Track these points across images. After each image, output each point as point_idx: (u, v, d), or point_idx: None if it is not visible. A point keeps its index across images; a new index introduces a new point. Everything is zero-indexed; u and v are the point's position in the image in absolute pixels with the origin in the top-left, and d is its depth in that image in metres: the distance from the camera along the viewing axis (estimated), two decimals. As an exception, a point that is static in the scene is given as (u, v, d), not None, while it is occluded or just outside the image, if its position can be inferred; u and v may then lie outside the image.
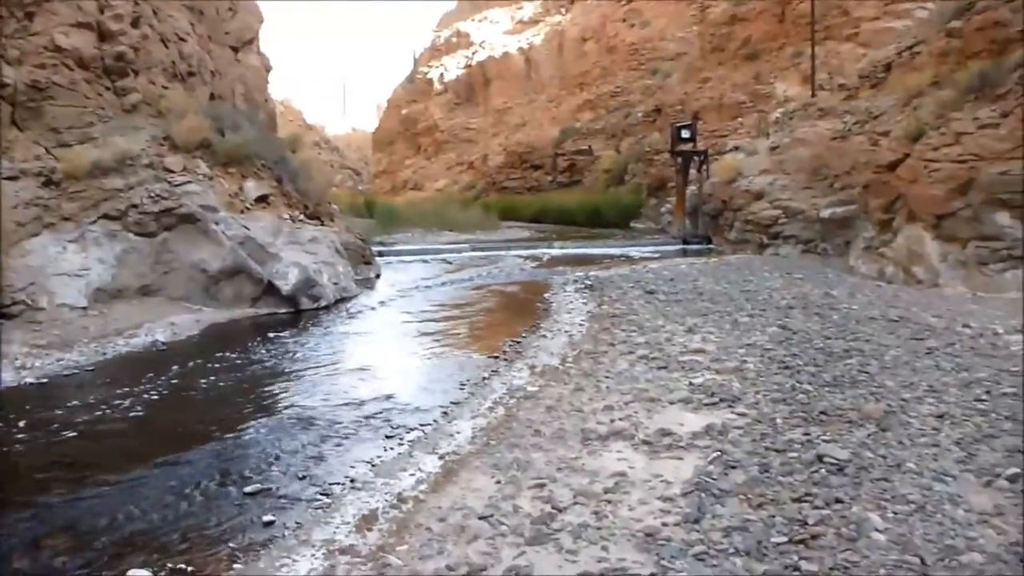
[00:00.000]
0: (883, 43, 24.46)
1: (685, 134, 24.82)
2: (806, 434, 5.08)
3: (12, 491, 5.23)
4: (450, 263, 20.12)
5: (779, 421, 5.42)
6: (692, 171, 24.62)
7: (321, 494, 5.03)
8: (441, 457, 5.56)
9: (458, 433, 6.11)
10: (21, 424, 6.69)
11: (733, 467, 4.64)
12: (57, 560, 4.25)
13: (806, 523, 3.79)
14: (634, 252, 21.78)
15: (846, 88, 22.54)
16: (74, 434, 6.45)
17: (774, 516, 3.91)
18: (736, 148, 24.84)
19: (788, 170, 19.34)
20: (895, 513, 3.84)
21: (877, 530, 3.66)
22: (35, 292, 10.69)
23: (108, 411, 7.09)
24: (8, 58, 12.57)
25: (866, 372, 6.59)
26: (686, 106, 33.90)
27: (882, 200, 13.99)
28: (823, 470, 4.43)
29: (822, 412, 5.51)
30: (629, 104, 42.71)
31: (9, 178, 11.66)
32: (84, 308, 11.01)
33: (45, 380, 8.30)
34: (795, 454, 4.74)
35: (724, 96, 32.28)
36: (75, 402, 7.39)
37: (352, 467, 5.52)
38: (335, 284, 13.47)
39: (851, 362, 6.98)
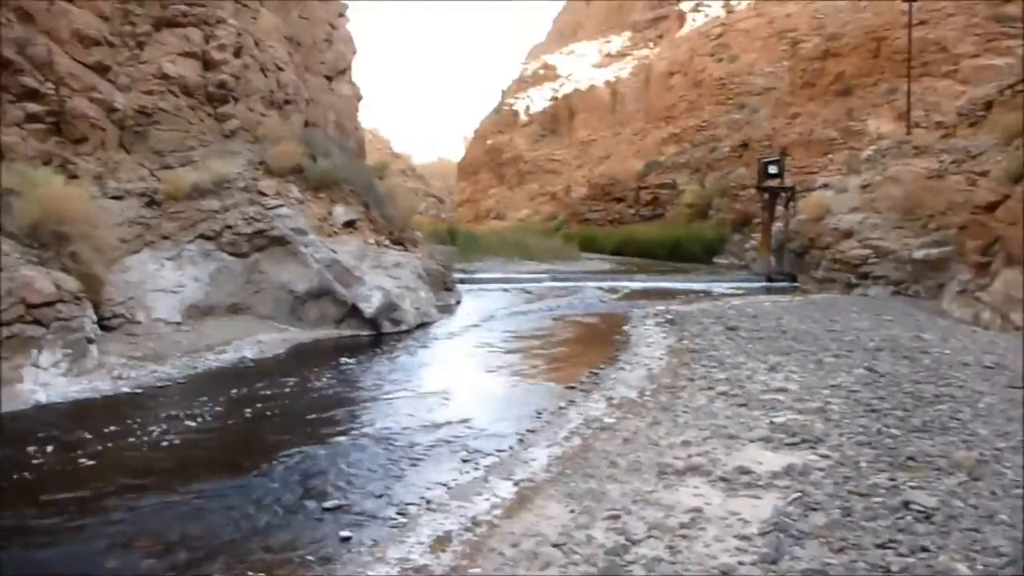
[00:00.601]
0: (983, 80, 23.70)
1: (772, 169, 24.47)
2: (891, 479, 4.92)
3: (106, 494, 5.48)
4: (530, 292, 20.21)
5: (863, 464, 5.26)
6: (778, 207, 24.23)
7: (397, 513, 5.12)
8: (516, 483, 5.58)
9: (533, 460, 6.13)
10: (116, 431, 7.02)
11: (814, 509, 4.52)
12: (144, 563, 4.44)
13: (889, 570, 3.67)
14: (716, 288, 21.48)
15: (943, 126, 21.90)
16: (165, 443, 6.73)
17: (855, 561, 3.80)
18: (825, 185, 24.34)
19: (879, 209, 18.83)
20: (984, 565, 3.68)
21: (965, 581, 3.52)
22: (133, 306, 11.21)
23: (197, 422, 7.37)
24: (119, 84, 13.33)
25: (957, 419, 6.33)
26: (774, 141, 33.42)
27: (979, 242, 13.47)
28: (909, 517, 4.28)
29: (909, 457, 5.32)
30: (715, 138, 42.31)
31: (115, 197, 12.32)
32: (178, 323, 11.48)
33: (140, 390, 8.68)
34: (879, 499, 4.59)
35: (814, 132, 31.71)
36: (167, 412, 7.70)
37: (428, 488, 5.59)
38: (416, 309, 13.70)
39: (942, 408, 6.72)
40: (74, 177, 11.77)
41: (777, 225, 24.08)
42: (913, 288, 16.51)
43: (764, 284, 22.04)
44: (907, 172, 19.10)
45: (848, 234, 19.02)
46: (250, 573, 4.27)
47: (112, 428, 7.09)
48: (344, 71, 21.98)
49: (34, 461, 6.12)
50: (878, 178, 20.19)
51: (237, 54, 15.25)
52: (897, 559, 3.78)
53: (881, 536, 4.07)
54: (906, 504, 4.45)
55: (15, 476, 5.79)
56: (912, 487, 4.74)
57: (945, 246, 15.75)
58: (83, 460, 6.21)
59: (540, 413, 7.76)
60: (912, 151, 20.89)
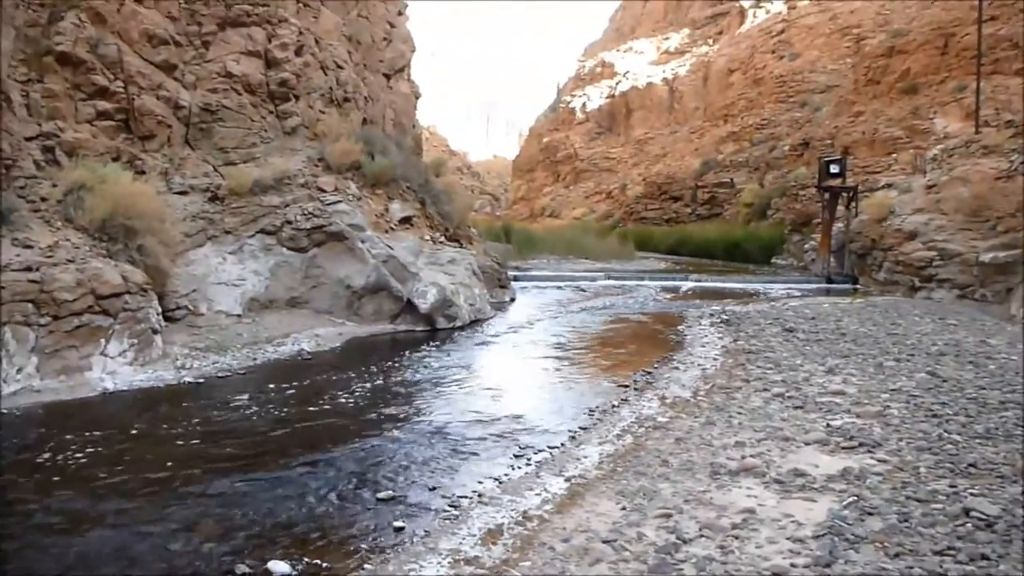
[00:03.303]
0: (1058, 78, 22.87)
1: (834, 169, 23.97)
2: (952, 486, 4.81)
3: (171, 480, 5.66)
4: (584, 291, 20.18)
5: (923, 470, 5.15)
6: (840, 208, 23.75)
7: (450, 505, 5.19)
8: (567, 479, 5.61)
9: (585, 457, 6.15)
10: (179, 420, 7.24)
11: (870, 513, 4.45)
12: (206, 546, 4.57)
13: (947, 577, 3.60)
14: (774, 289, 21.17)
15: (1013, 125, 21.20)
16: (226, 430, 6.92)
17: (912, 568, 3.73)
18: (889, 185, 23.80)
19: (945, 210, 18.32)
20: (1049, 576, 3.59)
21: (1028, 591, 3.43)
22: (196, 298, 11.52)
23: (256, 412, 7.56)
24: (185, 83, 13.69)
25: (1023, 426, 6.16)
26: (836, 140, 32.74)
27: (1050, 245, 13.04)
28: (969, 524, 4.18)
29: (971, 464, 5.19)
30: (775, 137, 41.67)
31: (180, 192, 12.66)
32: (239, 316, 11.75)
33: (202, 380, 8.92)
34: (939, 505, 4.49)
35: (877, 131, 30.96)
36: (228, 402, 7.91)
37: (480, 482, 5.65)
38: (471, 305, 13.80)
39: (1007, 415, 6.53)
40: (142, 173, 12.13)
41: (838, 226, 23.61)
42: (980, 292, 16.02)
43: (823, 285, 21.63)
44: (975, 172, 18.54)
45: (912, 235, 18.55)
46: (307, 560, 4.37)
47: (176, 416, 7.33)
48: (402, 69, 22.20)
49: (100, 447, 6.34)
50: (944, 178, 19.65)
51: (298, 52, 15.53)
52: (955, 566, 3.70)
53: (939, 543, 3.98)
54: (967, 511, 4.34)
55: (84, 461, 6.02)
56: (973, 494, 4.62)
57: (1014, 249, 15.25)
58: (147, 446, 6.42)
59: (592, 411, 7.76)
60: (980, 150, 20.25)
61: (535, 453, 6.39)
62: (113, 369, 8.73)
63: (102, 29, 12.26)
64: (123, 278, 9.26)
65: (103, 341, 8.77)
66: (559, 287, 20.94)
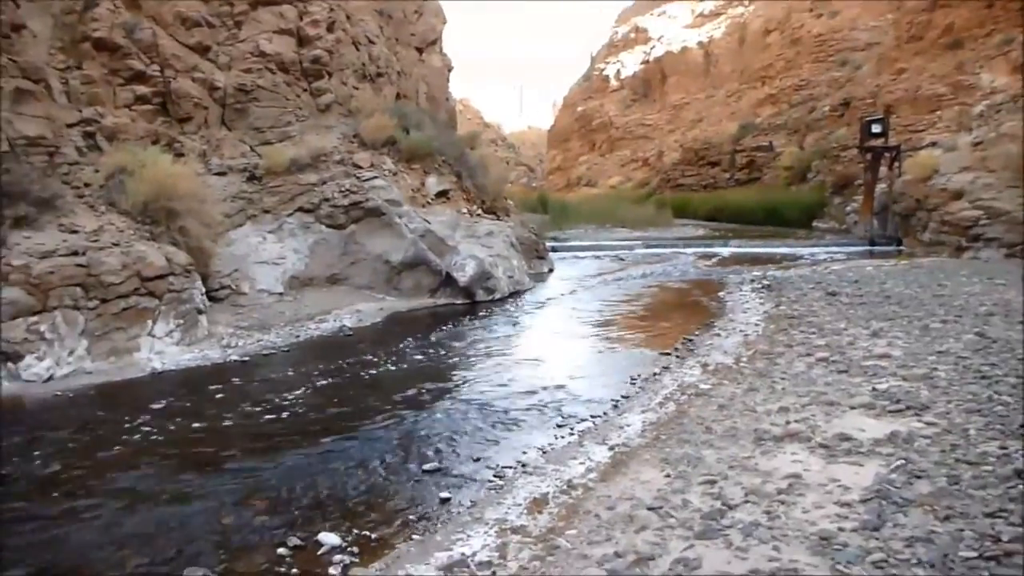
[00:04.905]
0: (1110, 26, 22.04)
1: (876, 129, 23.50)
2: (1003, 448, 4.72)
3: (222, 457, 5.79)
4: (623, 260, 20.10)
5: (972, 432, 5.07)
6: (882, 168, 23.28)
7: (495, 476, 5.24)
8: (611, 448, 5.63)
9: (628, 426, 6.16)
10: (227, 397, 7.39)
11: (918, 477, 4.39)
12: (257, 519, 4.67)
13: (999, 539, 3.54)
14: (816, 252, 20.87)
15: (1064, 77, 20.52)
16: (273, 407, 7.04)
17: (962, 530, 3.68)
18: (933, 144, 23.21)
19: (993, 168, 17.84)
20: (1103, 536, 3.52)
21: (1082, 552, 3.37)
22: (238, 278, 11.69)
23: (302, 388, 7.67)
24: (219, 64, 13.78)
25: (1077, 386, 6.03)
26: (877, 99, 31.96)
27: (1103, 200, 12.66)
28: (1021, 486, 4.11)
29: (1022, 426, 5.10)
30: (814, 98, 40.79)
31: (218, 173, 12.81)
32: (280, 294, 11.91)
33: (247, 358, 9.07)
34: (989, 467, 4.42)
35: (921, 88, 30.15)
36: (273, 379, 8.05)
37: (524, 452, 5.70)
38: (509, 277, 13.82)
39: (1059, 374, 6.40)
40: (180, 155, 12.29)
41: (880, 187, 23.15)
42: (1029, 250, 15.64)
43: (867, 248, 21.28)
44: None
45: (958, 195, 18.12)
46: (356, 531, 4.45)
47: (223, 394, 7.47)
48: (434, 42, 22.12)
49: (151, 427, 6.49)
50: (992, 135, 19.13)
51: (330, 29, 15.54)
52: (1008, 528, 3.64)
53: (991, 505, 3.92)
54: (1018, 473, 4.26)
55: (136, 439, 6.17)
56: (1025, 456, 4.55)
57: (1065, 205, 14.85)
58: (198, 424, 6.55)
59: (634, 379, 7.76)
60: (1029, 105, 19.70)
61: (578, 422, 6.42)
62: (160, 349, 8.91)
63: (137, 13, 12.38)
64: (167, 260, 9.42)
65: (150, 322, 8.95)
66: (597, 256, 20.87)
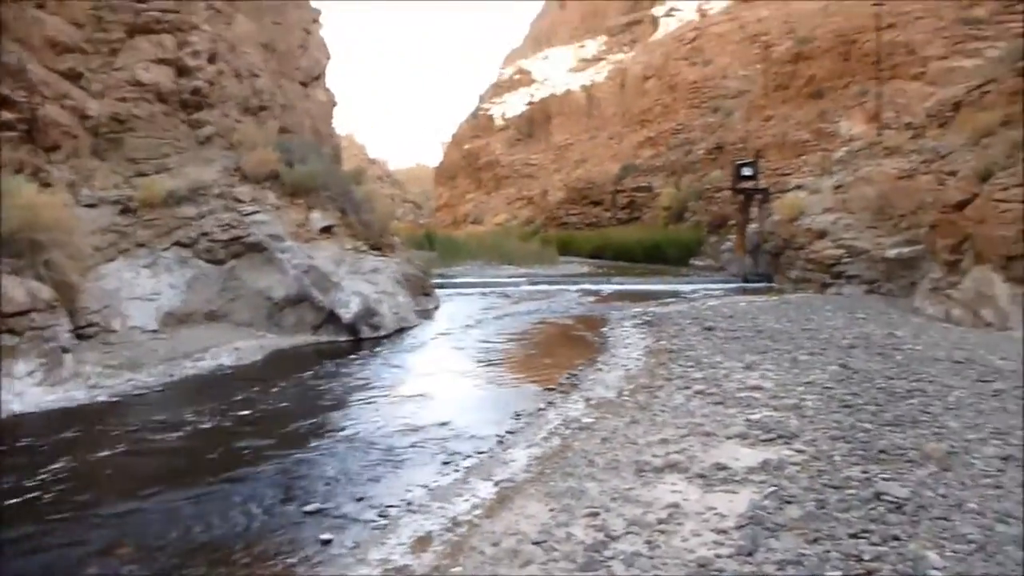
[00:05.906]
0: (951, 82, 24.05)
1: (747, 171, 24.72)
2: (864, 472, 5.01)
3: (87, 502, 5.45)
4: (508, 296, 20.26)
5: (837, 458, 5.35)
6: (753, 209, 24.47)
7: (378, 515, 5.14)
8: (496, 484, 5.62)
9: (513, 461, 6.17)
10: (91, 440, 6.98)
11: (789, 502, 4.60)
12: (125, 568, 4.42)
13: (862, 559, 3.75)
14: (693, 289, 21.63)
15: (913, 127, 22.17)
16: (143, 449, 6.71)
17: (829, 551, 3.88)
18: (799, 186, 24.62)
19: (852, 209, 19.08)
20: (954, 552, 3.77)
21: (935, 568, 3.61)
22: (109, 314, 11.13)
23: (176, 429, 7.34)
24: (92, 92, 13.23)
25: (928, 412, 6.46)
26: (748, 144, 33.75)
27: (950, 241, 13.69)
28: (881, 507, 4.37)
29: (881, 451, 5.43)
30: (690, 141, 42.65)
31: (89, 205, 12.23)
32: (154, 331, 11.41)
33: (117, 399, 8.62)
34: (853, 491, 4.68)
35: (787, 134, 32.04)
36: (144, 421, 7.67)
37: (408, 490, 5.62)
38: (395, 314, 13.70)
39: (913, 402, 6.85)
40: (47, 185, 11.64)
41: (752, 226, 24.32)
42: (886, 287, 16.73)
43: (740, 285, 22.23)
44: (879, 172, 19.36)
45: (822, 234, 19.25)
46: (231, 577, 4.27)
47: (88, 437, 7.06)
48: (319, 77, 21.95)
49: (4, 472, 6.07)
50: (850, 179, 20.46)
51: (212, 60, 15.19)
52: (869, 548, 3.86)
53: (854, 526, 4.15)
54: (878, 495, 4.54)
55: (-9, 486, 5.75)
56: (884, 479, 4.84)
57: (916, 245, 15.99)
58: (57, 469, 6.16)
59: (519, 415, 7.80)
60: (883, 152, 21.18)
61: (463, 459, 6.39)
62: (21, 390, 8.35)
63: (3, 36, 11.76)
64: (30, 295, 8.89)
65: (9, 361, 8.39)
66: (483, 293, 20.97)
